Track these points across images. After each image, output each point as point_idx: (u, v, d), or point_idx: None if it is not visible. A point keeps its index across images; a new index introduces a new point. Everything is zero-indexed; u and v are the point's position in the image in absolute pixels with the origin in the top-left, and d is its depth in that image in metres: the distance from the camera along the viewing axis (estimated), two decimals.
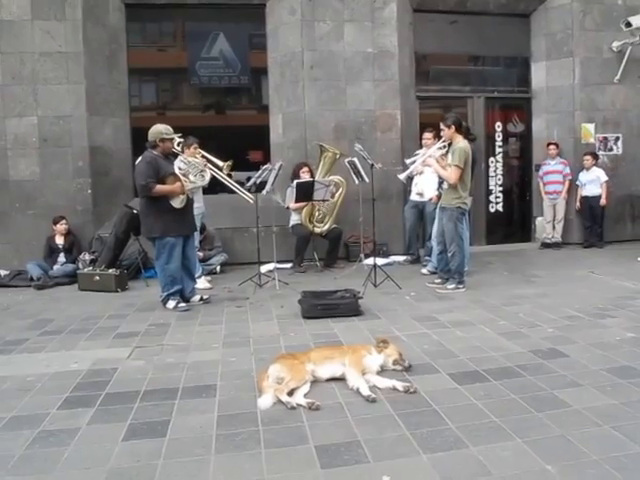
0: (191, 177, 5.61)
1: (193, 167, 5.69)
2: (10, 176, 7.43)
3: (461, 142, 5.79)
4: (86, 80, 7.51)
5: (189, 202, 5.58)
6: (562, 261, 7.68)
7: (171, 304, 5.43)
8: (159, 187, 5.29)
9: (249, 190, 6.47)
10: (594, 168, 8.57)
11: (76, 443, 2.73)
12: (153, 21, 8.81)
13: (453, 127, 5.78)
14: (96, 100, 7.66)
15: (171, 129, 5.50)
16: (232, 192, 6.59)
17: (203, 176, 5.79)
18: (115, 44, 7.91)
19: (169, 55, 9.09)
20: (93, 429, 2.89)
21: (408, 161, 6.38)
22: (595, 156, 8.63)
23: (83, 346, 4.36)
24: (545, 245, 8.73)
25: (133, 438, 2.76)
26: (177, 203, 5.39)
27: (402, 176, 6.27)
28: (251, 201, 6.40)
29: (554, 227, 8.76)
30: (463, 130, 5.88)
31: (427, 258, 7.23)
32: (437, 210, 6.26)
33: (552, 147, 8.68)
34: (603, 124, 8.90)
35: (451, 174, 5.73)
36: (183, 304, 5.46)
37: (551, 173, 8.74)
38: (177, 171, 5.48)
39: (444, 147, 6.00)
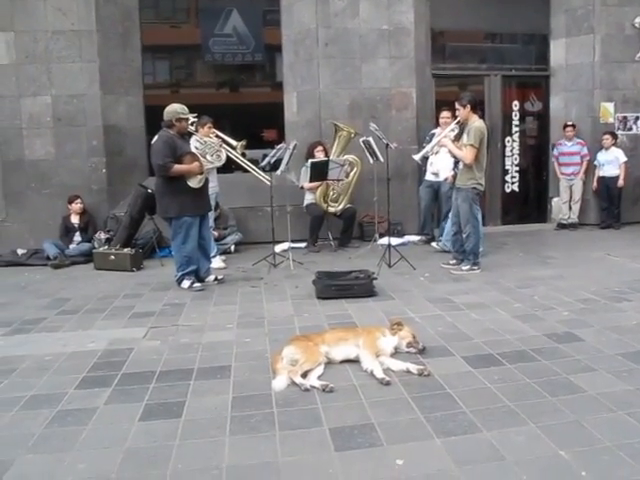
0: (208, 157, 5.61)
1: (210, 147, 5.68)
2: (25, 156, 7.45)
3: (477, 121, 5.73)
4: (99, 58, 7.48)
5: (205, 181, 5.57)
6: (578, 242, 7.61)
7: (186, 284, 5.46)
8: (177, 167, 5.27)
9: (264, 169, 6.46)
10: (613, 148, 8.42)
11: (94, 423, 2.77)
12: None
13: (469, 106, 5.72)
14: (110, 78, 7.64)
15: (187, 109, 5.47)
16: (247, 171, 6.58)
17: (219, 156, 5.78)
18: (128, 21, 7.85)
19: (182, 32, 9.02)
20: (110, 409, 2.93)
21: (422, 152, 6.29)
22: (614, 136, 8.47)
23: (99, 326, 4.41)
24: (561, 226, 8.64)
25: (149, 418, 2.80)
26: (195, 183, 5.36)
27: (417, 157, 6.22)
28: (268, 182, 6.39)
29: (570, 207, 8.66)
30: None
31: (441, 238, 7.22)
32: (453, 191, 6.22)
33: (569, 129, 8.50)
34: (623, 103, 8.71)
35: (467, 154, 5.67)
36: (198, 284, 5.49)
37: (568, 155, 8.59)
38: (195, 151, 5.47)
39: (457, 128, 5.96)
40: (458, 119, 5.90)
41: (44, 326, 4.44)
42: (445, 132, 6.07)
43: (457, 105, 5.82)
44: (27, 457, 2.49)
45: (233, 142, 6.31)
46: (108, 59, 7.61)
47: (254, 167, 6.38)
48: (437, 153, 6.98)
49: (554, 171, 8.90)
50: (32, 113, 7.42)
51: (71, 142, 7.52)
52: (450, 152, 6.03)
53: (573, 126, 8.52)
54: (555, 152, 8.76)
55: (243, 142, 6.33)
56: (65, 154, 7.53)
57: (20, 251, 7.14)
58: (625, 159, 8.39)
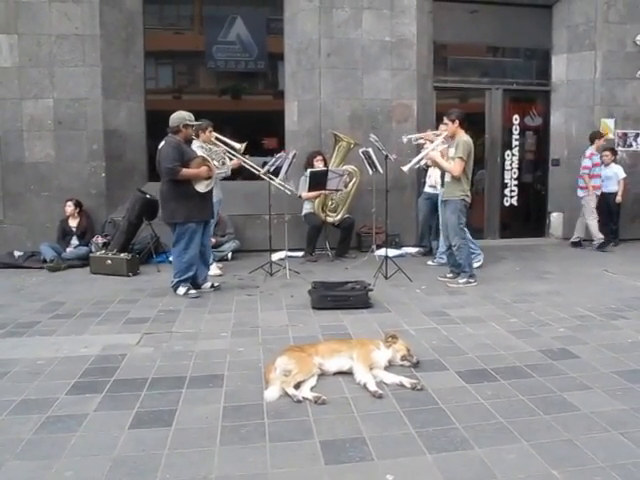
0: (215, 163, 5.63)
1: (215, 154, 5.70)
2: (25, 158, 7.47)
3: (464, 136, 5.82)
4: (102, 63, 7.50)
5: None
6: (576, 258, 7.60)
7: (182, 290, 5.43)
8: (185, 170, 5.27)
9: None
10: (612, 164, 8.42)
11: (83, 429, 2.75)
12: (170, 3, 8.78)
13: (457, 122, 5.81)
14: (112, 83, 7.66)
15: (193, 117, 5.48)
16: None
17: (224, 164, 5.81)
18: (132, 27, 7.88)
19: (186, 38, 9.06)
20: (100, 416, 2.90)
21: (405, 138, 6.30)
22: (614, 152, 8.48)
23: (93, 331, 4.39)
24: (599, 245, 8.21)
25: (139, 426, 2.77)
26: (202, 187, 5.36)
27: (406, 168, 6.18)
28: (289, 192, 6.41)
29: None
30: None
31: (438, 255, 7.20)
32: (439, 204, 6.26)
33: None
34: (623, 120, 8.76)
35: (455, 166, 5.75)
36: (193, 291, 5.46)
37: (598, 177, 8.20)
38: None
39: (445, 142, 6.01)
40: (445, 133, 5.96)
41: (38, 330, 4.42)
42: (432, 145, 6.10)
43: (445, 120, 5.94)
44: (14, 463, 2.46)
45: (236, 145, 6.32)
46: (111, 64, 7.63)
47: (275, 178, 6.35)
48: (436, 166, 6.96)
49: (553, 186, 8.78)
50: (33, 116, 7.43)
51: (71, 146, 7.53)
52: (438, 165, 6.05)
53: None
54: (589, 163, 8.09)
55: (244, 144, 6.35)
56: (65, 157, 7.54)
57: (17, 253, 7.14)
58: (624, 175, 8.39)
